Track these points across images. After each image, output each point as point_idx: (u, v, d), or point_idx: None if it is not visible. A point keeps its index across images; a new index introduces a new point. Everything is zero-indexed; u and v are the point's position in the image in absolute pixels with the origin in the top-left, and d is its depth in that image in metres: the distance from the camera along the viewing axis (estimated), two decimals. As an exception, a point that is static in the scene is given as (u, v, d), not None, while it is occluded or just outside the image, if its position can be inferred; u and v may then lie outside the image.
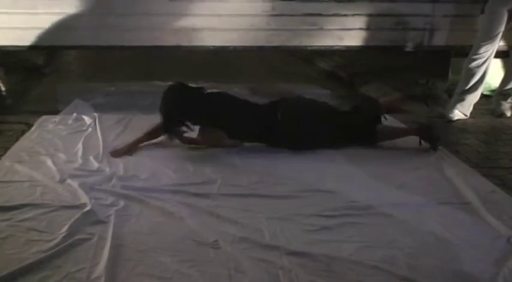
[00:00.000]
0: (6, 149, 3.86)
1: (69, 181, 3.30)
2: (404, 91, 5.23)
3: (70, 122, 4.51)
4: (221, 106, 4.02)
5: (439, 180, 3.58)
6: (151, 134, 3.99)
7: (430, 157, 3.95)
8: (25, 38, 5.00)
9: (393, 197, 3.30)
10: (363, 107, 4.34)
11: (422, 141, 4.10)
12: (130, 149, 3.88)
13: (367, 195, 3.27)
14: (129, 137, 4.08)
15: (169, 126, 3.92)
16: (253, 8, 5.17)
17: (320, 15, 5.28)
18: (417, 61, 5.78)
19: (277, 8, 5.21)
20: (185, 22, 5.11)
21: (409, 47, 5.57)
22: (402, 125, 4.64)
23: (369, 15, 5.38)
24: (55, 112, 4.83)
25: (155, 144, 4.02)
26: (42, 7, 4.90)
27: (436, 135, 4.14)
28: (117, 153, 3.82)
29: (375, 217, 3.03)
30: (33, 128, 4.33)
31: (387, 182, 3.49)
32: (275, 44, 5.34)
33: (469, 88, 4.93)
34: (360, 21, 5.37)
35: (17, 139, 4.09)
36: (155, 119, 3.96)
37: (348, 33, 5.38)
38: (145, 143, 3.98)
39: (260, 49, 5.44)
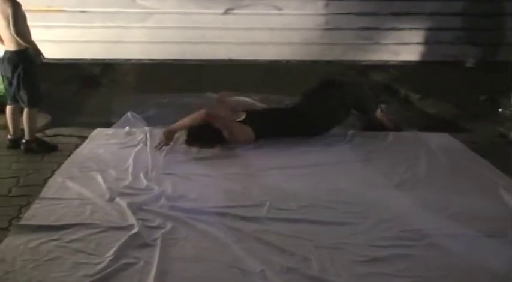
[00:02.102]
0: (60, 163, 3.91)
1: (118, 200, 3.30)
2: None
3: (122, 136, 4.53)
4: None
5: (497, 208, 3.38)
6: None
7: (487, 181, 3.75)
8: (81, 51, 5.09)
9: (446, 226, 3.12)
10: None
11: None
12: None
13: (419, 224, 3.12)
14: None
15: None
16: (306, 22, 5.08)
17: (377, 29, 5.15)
18: (479, 77, 5.53)
19: (331, 22, 5.11)
20: (237, 36, 5.08)
21: (470, 62, 5.35)
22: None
23: (428, 29, 5.21)
24: (108, 124, 4.88)
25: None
26: (98, 21, 4.98)
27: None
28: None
29: (427, 249, 2.88)
30: (85, 142, 4.37)
31: (440, 209, 3.32)
32: (329, 58, 5.25)
33: (535, 106, 4.68)
34: (418, 35, 5.21)
35: (70, 153, 4.14)
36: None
37: (405, 47, 5.22)
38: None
39: (313, 63, 5.34)
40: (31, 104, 4.14)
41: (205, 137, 4.33)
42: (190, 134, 4.36)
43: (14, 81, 4.08)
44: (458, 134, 4.76)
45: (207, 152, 4.25)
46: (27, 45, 4.01)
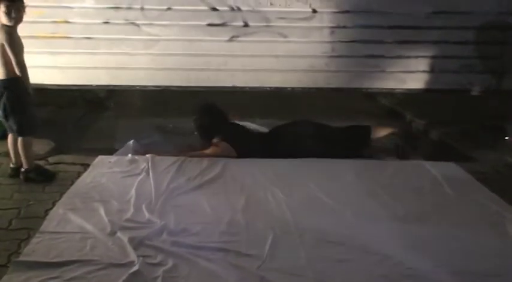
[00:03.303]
0: (62, 193, 3.86)
1: (119, 234, 3.25)
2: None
3: (125, 164, 4.46)
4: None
5: (504, 244, 3.32)
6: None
7: (494, 216, 3.70)
8: (86, 78, 5.09)
9: (453, 263, 3.06)
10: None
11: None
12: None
13: (424, 261, 3.06)
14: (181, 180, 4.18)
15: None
16: (312, 49, 5.09)
17: (382, 57, 5.14)
18: (485, 105, 5.50)
19: (337, 49, 5.10)
20: (242, 63, 5.08)
21: (476, 90, 5.33)
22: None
23: (433, 58, 5.19)
24: (112, 150, 4.83)
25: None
26: (104, 48, 4.99)
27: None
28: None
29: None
30: (88, 171, 4.31)
31: (446, 245, 3.27)
32: (334, 85, 5.24)
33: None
34: (424, 64, 5.19)
35: (72, 182, 4.09)
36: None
37: (411, 75, 5.21)
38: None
39: (319, 91, 5.33)
40: (20, 133, 4.08)
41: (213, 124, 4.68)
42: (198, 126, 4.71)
43: (0, 111, 4.01)
44: (464, 164, 4.71)
45: (211, 180, 4.20)
46: (20, 75, 3.87)
